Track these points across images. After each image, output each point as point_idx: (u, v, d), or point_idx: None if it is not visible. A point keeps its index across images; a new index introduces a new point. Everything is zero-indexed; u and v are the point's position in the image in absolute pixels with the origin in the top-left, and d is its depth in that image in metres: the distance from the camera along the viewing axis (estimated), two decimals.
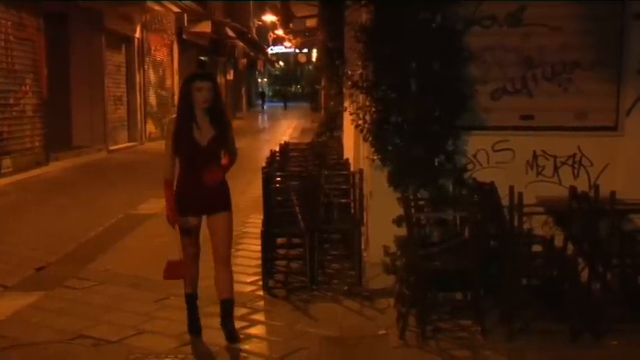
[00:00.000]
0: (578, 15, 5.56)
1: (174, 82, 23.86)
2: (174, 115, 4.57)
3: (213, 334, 4.77)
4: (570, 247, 4.96)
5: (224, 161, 4.63)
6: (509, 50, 5.62)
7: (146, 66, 20.80)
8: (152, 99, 21.56)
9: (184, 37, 24.14)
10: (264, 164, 7.35)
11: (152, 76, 21.62)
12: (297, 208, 5.95)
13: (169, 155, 4.52)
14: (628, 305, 4.94)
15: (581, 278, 4.96)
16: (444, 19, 5.42)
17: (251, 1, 34.22)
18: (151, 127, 21.13)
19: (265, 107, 47.73)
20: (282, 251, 6.43)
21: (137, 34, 19.92)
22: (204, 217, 4.65)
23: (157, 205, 10.10)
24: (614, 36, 5.56)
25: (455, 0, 5.39)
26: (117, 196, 10.92)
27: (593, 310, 4.78)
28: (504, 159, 5.65)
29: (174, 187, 4.57)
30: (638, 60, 5.49)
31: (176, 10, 21.72)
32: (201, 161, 4.48)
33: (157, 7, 20.54)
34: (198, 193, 4.51)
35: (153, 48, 21.61)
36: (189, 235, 4.62)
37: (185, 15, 22.65)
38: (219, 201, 4.61)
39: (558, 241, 5.09)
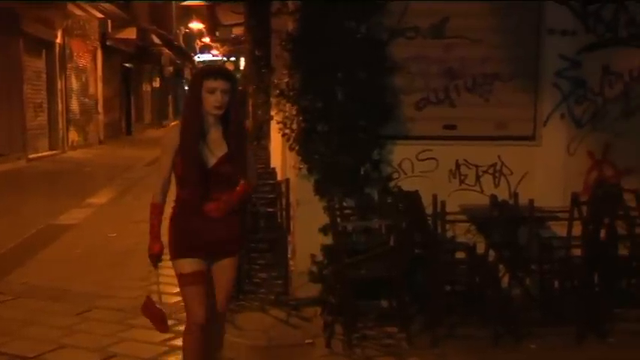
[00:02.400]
0: (497, 28, 5.74)
1: (97, 89, 23.32)
2: (175, 123, 3.63)
3: (139, 348, 4.66)
4: (492, 253, 5.09)
5: (240, 190, 3.55)
6: (433, 61, 5.74)
7: (68, 72, 20.23)
8: (75, 106, 20.98)
9: (108, 43, 23.64)
10: None
11: (74, 83, 21.06)
12: None
13: (164, 174, 3.49)
14: (546, 309, 5.10)
15: (502, 284, 5.09)
16: (368, 30, 5.49)
17: (174, 1, 33.76)
18: (73, 134, 20.56)
19: None
20: None
21: (58, 40, 19.37)
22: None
23: (78, 215, 9.85)
24: (531, 49, 5.76)
25: (378, 10, 5.46)
26: (36, 206, 10.57)
27: (513, 315, 4.91)
28: (428, 168, 5.76)
29: (171, 219, 3.55)
30: (553, 72, 5.71)
31: (99, 15, 21.24)
32: (207, 187, 3.45)
33: (78, 12, 20.04)
34: (207, 227, 3.48)
35: (75, 54, 21.05)
36: (192, 285, 3.53)
37: (109, 21, 22.19)
38: (229, 242, 3.59)
39: (480, 248, 5.21)
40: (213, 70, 3.53)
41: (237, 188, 3.53)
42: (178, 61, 40.87)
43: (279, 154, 7.58)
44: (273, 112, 7.69)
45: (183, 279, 3.52)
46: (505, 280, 5.10)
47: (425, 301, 4.99)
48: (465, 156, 5.77)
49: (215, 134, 3.49)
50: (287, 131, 5.75)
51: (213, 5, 13.63)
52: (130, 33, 23.96)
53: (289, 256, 6.01)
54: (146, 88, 32.53)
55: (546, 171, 5.76)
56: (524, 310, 5.04)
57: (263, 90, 10.71)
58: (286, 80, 5.70)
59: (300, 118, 5.58)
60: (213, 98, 3.41)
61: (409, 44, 5.68)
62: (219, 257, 3.58)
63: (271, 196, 6.59)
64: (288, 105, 5.82)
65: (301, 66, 5.48)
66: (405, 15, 5.63)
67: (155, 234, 3.50)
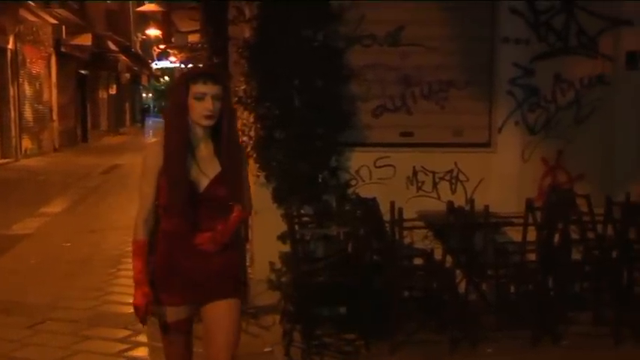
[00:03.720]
0: (452, 36, 5.81)
1: (52, 96, 22.90)
2: (156, 140, 2.97)
3: (93, 359, 4.58)
4: (449, 259, 5.14)
5: (234, 217, 2.91)
6: (389, 69, 5.79)
7: (21, 79, 19.83)
8: (28, 113, 20.57)
9: (63, 49, 23.25)
10: None
11: (28, 90, 20.65)
12: None
13: (147, 203, 2.88)
14: (502, 314, 5.16)
15: (460, 289, 5.15)
16: (325, 37, 5.51)
17: (127, 0, 33.41)
18: (27, 142, 20.15)
19: (149, 122, 46.40)
20: None
21: (10, 45, 18.98)
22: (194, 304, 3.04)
23: (32, 224, 9.65)
24: (486, 57, 5.85)
25: (335, 18, 5.48)
26: None
27: (470, 320, 4.97)
28: (386, 175, 5.79)
29: (151, 255, 2.93)
30: (507, 80, 5.80)
31: (53, 21, 20.88)
32: (197, 215, 2.85)
33: (31, 18, 19.67)
34: (193, 265, 2.89)
35: (28, 60, 20.65)
36: (176, 334, 3.03)
37: (63, 27, 21.82)
38: (224, 280, 2.96)
39: (438, 254, 5.26)
40: (201, 72, 2.98)
41: (232, 215, 2.89)
42: (135, 68, 40.45)
43: None
44: None
45: (165, 328, 2.98)
46: (462, 286, 5.16)
47: (383, 308, 5.01)
48: (422, 163, 5.82)
49: (205, 150, 2.89)
50: (245, 138, 5.72)
51: (170, 12, 13.53)
52: (86, 39, 23.62)
53: (247, 264, 5.98)
54: (102, 95, 32.10)
55: (501, 177, 5.84)
56: (481, 315, 5.10)
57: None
58: (243, 87, 5.67)
59: (258, 126, 5.56)
60: (203, 106, 2.81)
61: (366, 52, 5.71)
62: (213, 298, 2.93)
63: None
64: (245, 112, 5.79)
65: (258, 73, 5.47)
66: (362, 23, 5.67)
67: (140, 280, 2.87)
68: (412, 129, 5.88)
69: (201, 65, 3.96)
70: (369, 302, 4.97)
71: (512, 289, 5.36)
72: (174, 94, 2.93)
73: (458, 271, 5.15)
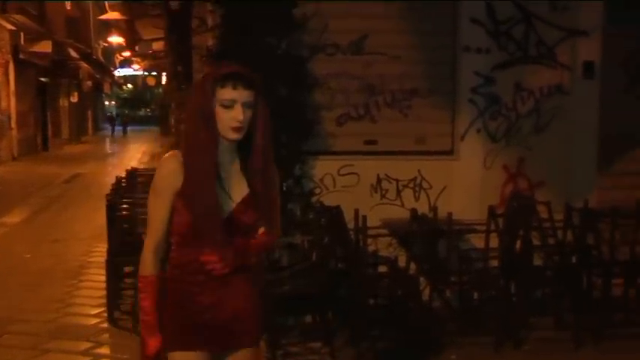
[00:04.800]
0: (415, 45, 5.88)
1: (10, 104, 22.47)
2: (171, 153, 2.45)
3: None
4: (413, 266, 5.18)
5: (258, 240, 2.50)
6: (353, 77, 5.83)
7: None
8: None
9: (22, 56, 22.86)
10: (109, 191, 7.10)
11: None
12: (143, 235, 5.78)
13: (158, 230, 2.42)
14: (466, 320, 5.22)
15: (424, 296, 5.19)
16: (289, 46, 5.52)
17: (92, 0, 33.05)
18: None
19: (120, 131, 45.48)
20: (129, 280, 6.21)
21: None
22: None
23: None
24: (448, 66, 5.93)
25: (299, 27, 5.50)
26: None
27: (434, 326, 5.01)
28: (350, 183, 5.82)
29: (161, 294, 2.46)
30: (469, 89, 5.88)
31: (10, 27, 20.53)
32: (220, 242, 2.40)
33: None
34: (212, 302, 2.45)
35: None
36: None
37: (21, 33, 21.47)
38: (248, 324, 2.52)
39: (402, 261, 5.29)
40: (230, 73, 2.37)
41: (256, 238, 2.49)
42: (97, 76, 39.98)
43: None
44: None
45: None
46: (426, 292, 5.20)
47: (348, 316, 5.03)
48: (385, 171, 5.86)
49: (230, 167, 2.43)
50: None
51: (133, 20, 13.43)
52: (45, 46, 23.25)
53: None
54: (63, 102, 31.62)
55: (464, 185, 5.91)
56: (445, 321, 5.15)
57: (185, 105, 10.62)
58: (190, 96, 5.65)
59: None
60: (231, 115, 2.34)
61: (329, 60, 5.74)
62: (233, 346, 2.50)
63: None
64: None
65: None
66: (325, 32, 5.70)
67: (151, 324, 2.42)
68: (376, 137, 5.92)
69: (228, 64, 2.47)
70: (334, 310, 4.99)
71: (475, 295, 5.42)
72: (197, 100, 2.38)
73: (422, 278, 5.19)
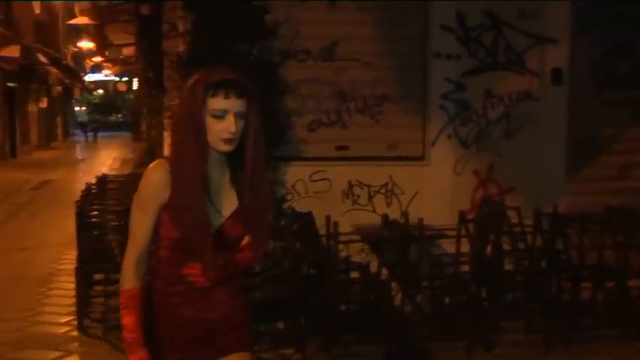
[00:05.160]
0: (386, 51, 5.91)
1: None
2: (157, 162, 2.31)
3: None
4: (384, 272, 5.19)
5: (243, 254, 2.37)
6: (324, 83, 5.84)
7: None
8: None
9: None
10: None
11: None
12: (114, 242, 5.74)
13: (141, 243, 2.28)
14: (437, 324, 5.24)
15: (396, 301, 5.20)
16: (260, 52, 5.52)
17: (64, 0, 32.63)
18: None
19: (91, 137, 44.78)
20: (99, 288, 6.14)
21: None
22: None
23: None
24: (419, 72, 5.97)
25: (270, 33, 5.50)
26: None
27: (406, 331, 5.03)
28: (322, 189, 5.82)
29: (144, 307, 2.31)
30: (439, 95, 5.93)
31: None
32: (208, 257, 2.28)
33: None
34: (196, 314, 2.35)
35: None
36: None
37: None
38: (235, 330, 2.43)
39: (374, 267, 5.31)
40: (221, 80, 2.19)
41: (244, 253, 2.36)
42: (67, 81, 39.52)
43: None
44: (166, 134, 7.58)
45: None
46: (398, 298, 5.22)
47: (320, 322, 5.03)
48: (357, 176, 5.87)
49: (220, 179, 2.30)
50: None
51: (103, 25, 13.32)
52: (13, 51, 22.92)
53: None
54: (32, 108, 31.21)
55: (435, 190, 5.95)
56: (417, 326, 5.17)
57: (156, 111, 10.54)
58: (177, 102, 5.62)
59: None
60: (222, 127, 2.19)
61: (301, 67, 5.75)
62: (222, 354, 2.40)
63: None
64: None
65: None
66: (297, 38, 5.71)
67: (134, 341, 2.26)
68: (347, 143, 5.93)
69: (220, 69, 2.22)
70: (306, 316, 4.98)
71: (446, 300, 5.45)
72: (187, 108, 2.22)
73: (394, 284, 5.21)
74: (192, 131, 2.19)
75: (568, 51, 6.04)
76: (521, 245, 5.56)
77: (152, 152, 12.45)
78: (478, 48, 5.96)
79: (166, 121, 7.38)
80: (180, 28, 5.66)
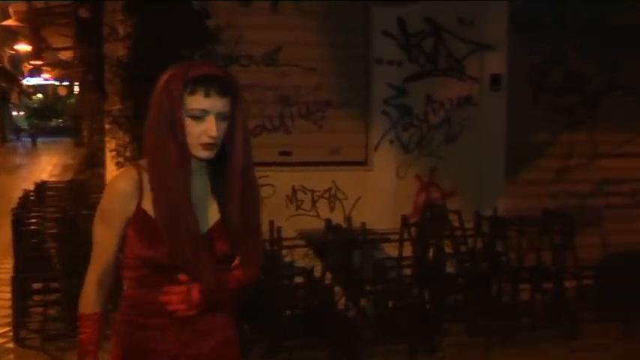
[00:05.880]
0: (329, 57, 5.94)
1: None
2: (126, 170, 2.04)
3: None
4: (328, 276, 5.21)
5: (234, 274, 2.06)
6: (267, 89, 5.84)
7: None
8: None
9: None
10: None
11: None
12: (53, 250, 5.60)
13: (104, 257, 2.01)
14: (381, 328, 5.28)
15: (340, 305, 5.22)
16: (202, 57, 5.47)
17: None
18: None
19: (29, 143, 43.54)
20: (37, 298, 5.99)
21: None
22: None
23: None
24: (361, 78, 6.02)
25: (212, 38, 5.47)
26: None
27: (350, 335, 5.05)
28: (265, 194, 5.79)
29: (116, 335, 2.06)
30: (381, 100, 5.99)
31: None
32: (208, 276, 1.98)
33: None
34: (172, 350, 2.01)
35: None
36: None
37: None
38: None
39: (318, 272, 5.31)
40: (201, 78, 1.91)
41: (234, 273, 2.06)
42: (4, 85, 38.52)
43: None
44: (107, 139, 7.43)
45: None
46: (342, 302, 5.24)
47: (264, 327, 5.00)
48: (300, 182, 5.88)
49: (198, 187, 2.00)
50: (120, 159, 5.58)
51: (39, 27, 13.00)
52: None
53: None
54: None
55: (378, 195, 6.00)
56: (361, 330, 5.19)
57: (97, 116, 10.34)
58: (118, 107, 5.54)
59: (135, 146, 5.43)
60: (201, 129, 1.91)
61: (244, 72, 5.72)
62: None
63: None
64: (121, 132, 5.65)
65: (133, 93, 5.35)
66: (239, 43, 5.69)
67: (89, 353, 2.05)
68: (291, 148, 5.93)
69: (199, 63, 2.05)
70: (250, 322, 4.95)
71: (390, 303, 5.50)
72: (162, 106, 1.92)
73: (337, 288, 5.23)
74: (169, 134, 1.90)
75: (506, 57, 6.18)
76: (462, 248, 5.65)
77: (94, 157, 12.22)
78: (419, 54, 6.04)
79: (107, 126, 7.23)
80: (121, 31, 5.57)
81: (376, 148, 6.04)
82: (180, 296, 1.97)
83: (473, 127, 6.18)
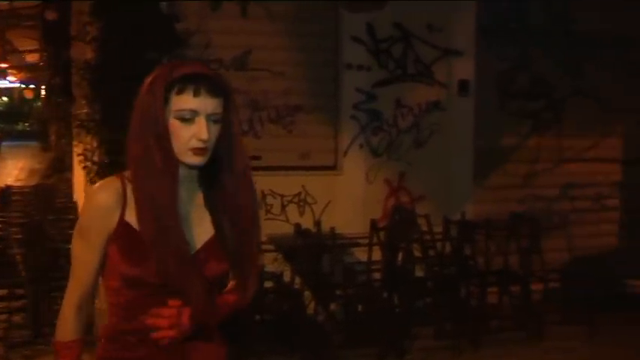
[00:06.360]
0: (298, 61, 5.94)
1: None
2: (107, 182, 1.83)
3: None
4: (298, 281, 5.21)
5: (226, 298, 1.93)
6: (237, 93, 5.73)
7: None
8: None
9: None
10: None
11: None
12: (18, 256, 5.52)
13: (84, 278, 1.82)
14: (351, 332, 5.29)
15: (310, 310, 5.22)
16: (172, 61, 5.43)
17: None
18: None
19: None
20: (2, 304, 5.89)
21: None
22: None
23: None
24: (331, 83, 6.04)
25: (181, 42, 5.44)
26: None
27: (319, 340, 5.05)
28: None
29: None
30: (351, 105, 6.01)
31: None
32: (202, 299, 1.80)
33: None
34: None
35: None
36: None
37: None
38: None
39: (288, 276, 5.31)
40: (190, 75, 1.74)
41: (227, 297, 1.92)
42: None
43: (82, 187, 7.24)
44: (74, 144, 7.35)
45: None
46: (312, 307, 5.24)
47: (234, 332, 4.97)
48: (270, 186, 5.87)
49: (187, 200, 1.83)
50: (88, 164, 5.51)
51: (4, 29, 12.81)
52: None
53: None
54: None
55: (348, 199, 6.01)
56: (331, 334, 5.20)
57: (65, 120, 10.23)
58: (86, 111, 5.48)
59: (102, 151, 5.38)
60: (191, 132, 1.73)
61: None
62: None
63: (72, 232, 6.26)
64: (88, 136, 5.59)
65: (101, 96, 5.30)
66: (209, 47, 5.66)
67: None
68: (260, 153, 5.90)
69: (187, 61, 1.93)
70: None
71: (359, 307, 5.51)
72: (144, 111, 1.75)
73: (307, 293, 5.23)
74: (153, 140, 1.72)
75: (474, 63, 6.25)
76: (431, 252, 5.69)
77: (61, 162, 12.07)
78: (388, 59, 6.08)
79: (75, 130, 7.16)
80: (88, 34, 5.51)
81: (345, 152, 6.06)
82: (169, 320, 1.77)
83: (441, 132, 6.23)
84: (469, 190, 6.30)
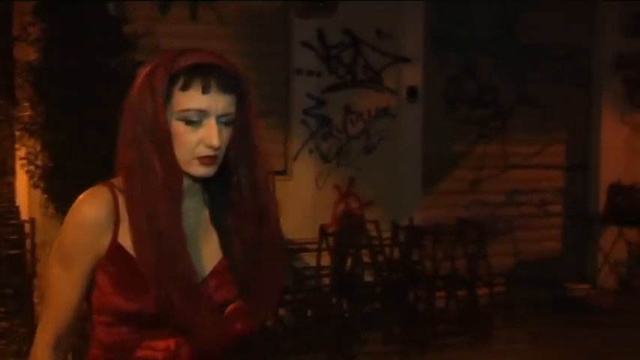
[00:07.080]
0: (248, 66, 5.89)
1: None
2: (95, 192, 1.50)
3: None
4: None
5: (237, 327, 1.52)
6: None
7: None
8: None
9: None
10: None
11: None
12: None
13: (63, 310, 1.48)
14: (300, 337, 5.28)
15: None
16: (120, 64, 5.34)
17: None
18: None
19: None
20: None
21: None
22: None
23: None
24: (281, 87, 6.03)
25: (130, 45, 5.36)
26: None
27: (268, 346, 5.02)
28: None
29: None
30: (301, 110, 6.02)
31: None
32: (212, 332, 1.48)
33: None
34: None
35: None
36: None
37: None
38: None
39: None
40: (196, 65, 1.42)
41: (235, 327, 1.52)
42: None
43: (25, 191, 7.06)
44: (16, 147, 7.15)
45: None
46: None
47: None
48: None
49: (193, 218, 1.53)
50: (31, 168, 5.37)
51: None
52: None
53: (36, 301, 5.58)
54: None
55: (298, 204, 6.00)
56: (280, 340, 5.18)
57: (7, 122, 9.94)
58: (29, 113, 5.34)
59: (46, 155, 5.25)
60: (197, 137, 1.42)
61: None
62: None
63: (14, 237, 6.10)
64: (32, 140, 5.45)
65: (45, 99, 5.17)
66: (157, 50, 5.58)
67: None
68: None
69: (192, 50, 1.42)
70: None
71: (309, 312, 5.51)
72: (140, 110, 1.45)
73: None
74: (151, 147, 1.41)
75: (422, 70, 6.32)
76: (379, 257, 5.72)
77: (3, 165, 11.73)
78: (338, 65, 6.11)
79: (18, 133, 6.97)
80: (31, 35, 5.37)
81: (295, 157, 6.05)
82: (164, 354, 1.47)
83: (390, 138, 6.29)
84: (418, 195, 6.37)
